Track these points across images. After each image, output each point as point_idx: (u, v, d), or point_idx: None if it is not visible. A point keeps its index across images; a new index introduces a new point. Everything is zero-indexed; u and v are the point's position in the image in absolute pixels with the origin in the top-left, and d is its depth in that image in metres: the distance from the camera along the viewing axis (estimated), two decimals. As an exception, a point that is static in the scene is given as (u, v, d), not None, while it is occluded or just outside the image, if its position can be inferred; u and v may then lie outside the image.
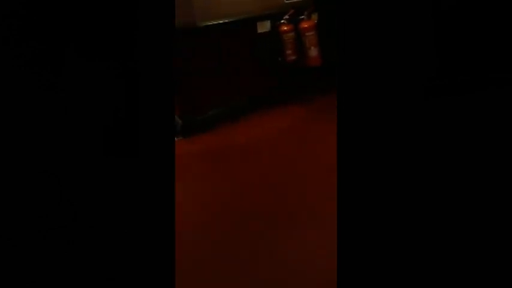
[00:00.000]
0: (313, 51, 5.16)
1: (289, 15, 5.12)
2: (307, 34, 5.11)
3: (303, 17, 5.17)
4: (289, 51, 5.16)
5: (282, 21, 5.10)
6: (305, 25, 5.11)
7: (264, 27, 5.09)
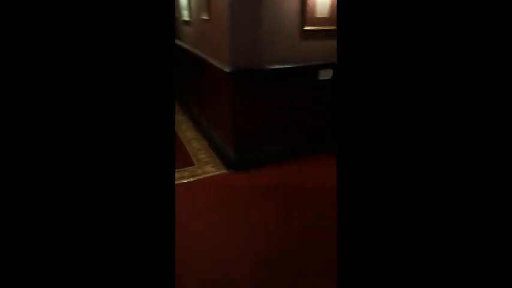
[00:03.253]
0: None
1: None
2: None
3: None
4: None
5: None
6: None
7: (326, 74, 5.31)
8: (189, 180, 4.68)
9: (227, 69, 4.62)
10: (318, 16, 5.01)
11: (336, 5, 4.99)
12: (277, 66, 4.88)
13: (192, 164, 5.13)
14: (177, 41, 8.05)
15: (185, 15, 7.09)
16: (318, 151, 5.55)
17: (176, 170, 4.83)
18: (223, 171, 4.94)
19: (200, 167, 5.04)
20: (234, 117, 4.80)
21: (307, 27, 4.98)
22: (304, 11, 4.87)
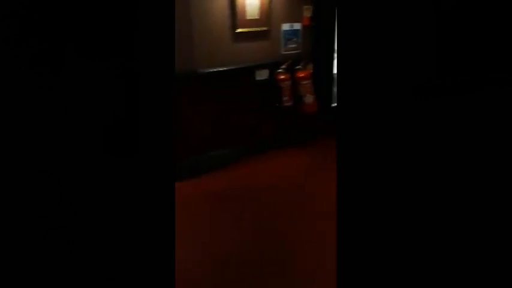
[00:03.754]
0: (309, 99, 5.69)
1: (286, 65, 5.53)
2: (303, 83, 5.61)
3: (299, 67, 5.64)
4: (285, 98, 5.59)
5: (280, 70, 5.51)
6: (301, 74, 5.60)
7: (262, 75, 5.46)
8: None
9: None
10: (248, 18, 5.07)
11: (265, 7, 5.13)
12: (212, 70, 4.92)
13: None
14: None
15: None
16: (261, 151, 5.69)
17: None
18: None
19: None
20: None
21: (239, 30, 5.03)
22: (234, 13, 4.91)
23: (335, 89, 6.43)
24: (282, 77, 5.48)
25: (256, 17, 5.14)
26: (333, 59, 6.18)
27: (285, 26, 5.54)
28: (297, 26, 5.66)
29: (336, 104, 6.47)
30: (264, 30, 5.30)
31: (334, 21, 5.94)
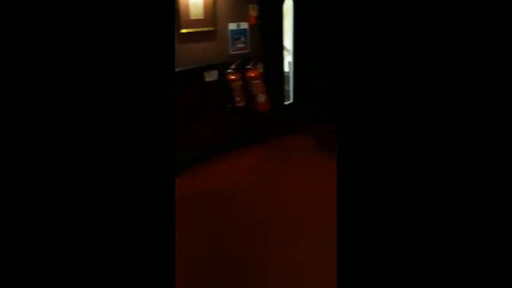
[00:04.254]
0: (261, 98, 5.72)
1: (235, 65, 5.52)
2: (253, 82, 5.63)
3: (249, 66, 5.65)
4: (237, 98, 5.58)
5: (229, 70, 5.50)
6: (251, 74, 5.63)
7: (211, 76, 5.42)
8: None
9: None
10: (193, 18, 5.04)
11: (209, 6, 5.12)
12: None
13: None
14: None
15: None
16: (214, 154, 5.66)
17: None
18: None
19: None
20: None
21: (183, 30, 4.98)
22: (177, 13, 4.84)
23: (287, 87, 6.49)
24: (232, 77, 5.48)
25: (201, 17, 5.10)
26: (282, 57, 6.23)
27: (232, 26, 5.54)
28: (244, 25, 5.67)
29: (288, 102, 6.54)
30: (210, 30, 5.27)
31: (281, 19, 5.99)
